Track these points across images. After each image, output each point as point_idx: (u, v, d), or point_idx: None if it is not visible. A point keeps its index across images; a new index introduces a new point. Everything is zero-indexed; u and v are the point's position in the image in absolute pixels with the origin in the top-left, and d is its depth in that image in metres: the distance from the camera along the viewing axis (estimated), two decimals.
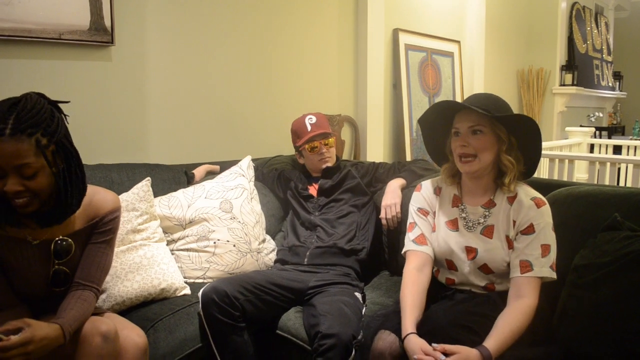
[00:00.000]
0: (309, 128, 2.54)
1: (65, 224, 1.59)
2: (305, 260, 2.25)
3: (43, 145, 1.43)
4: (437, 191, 1.87)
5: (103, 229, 1.67)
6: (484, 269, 1.70)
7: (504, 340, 1.49)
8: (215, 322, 1.87)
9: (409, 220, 1.90)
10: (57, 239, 1.59)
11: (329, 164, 2.53)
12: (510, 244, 1.67)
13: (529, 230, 1.64)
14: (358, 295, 2.07)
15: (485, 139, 1.66)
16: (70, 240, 1.61)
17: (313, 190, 2.52)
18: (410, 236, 1.86)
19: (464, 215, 1.77)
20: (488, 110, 1.63)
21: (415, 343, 1.51)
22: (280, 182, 2.68)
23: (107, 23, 2.43)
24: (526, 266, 1.61)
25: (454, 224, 1.78)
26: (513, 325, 1.52)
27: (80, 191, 1.55)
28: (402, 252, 1.87)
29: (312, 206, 2.45)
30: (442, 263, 1.80)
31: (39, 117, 1.43)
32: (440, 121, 1.78)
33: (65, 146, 1.50)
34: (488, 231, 1.71)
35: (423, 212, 1.86)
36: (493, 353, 1.45)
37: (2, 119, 1.38)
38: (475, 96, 1.74)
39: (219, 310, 1.86)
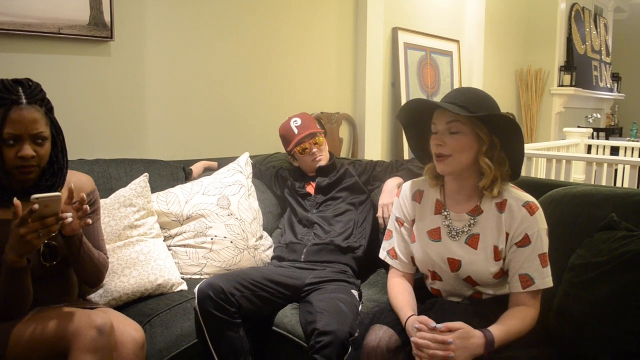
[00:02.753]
0: (296, 131, 2.54)
1: None
2: (302, 257, 2.25)
3: (50, 117, 1.60)
4: (418, 196, 1.76)
5: (92, 209, 1.77)
6: (469, 280, 1.64)
7: (507, 332, 1.47)
8: (210, 317, 1.87)
9: (389, 225, 1.86)
10: None
11: (322, 163, 2.53)
12: (497, 255, 1.59)
13: (525, 241, 1.56)
14: (354, 292, 2.07)
15: (462, 139, 1.55)
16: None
17: (310, 188, 2.53)
18: (385, 245, 1.84)
19: (447, 222, 1.67)
20: (467, 108, 1.52)
21: (415, 318, 1.51)
22: (278, 180, 2.68)
23: (107, 18, 2.42)
24: (527, 280, 1.55)
25: (435, 234, 1.69)
26: (516, 324, 1.50)
27: (66, 163, 1.69)
28: (379, 256, 1.87)
29: (310, 204, 2.46)
30: (425, 273, 1.75)
31: (43, 92, 1.59)
32: (423, 117, 1.67)
33: (56, 121, 1.64)
34: (473, 241, 1.62)
35: (399, 221, 1.79)
36: (496, 339, 1.44)
37: (11, 90, 1.52)
38: (457, 91, 1.63)
39: (215, 306, 1.86)
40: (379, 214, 2.28)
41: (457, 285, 1.68)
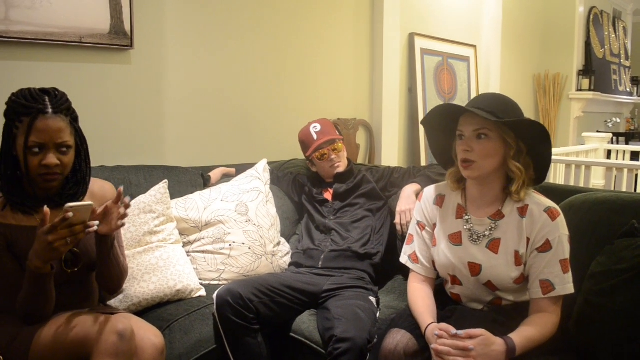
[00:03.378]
0: (315, 137, 2.55)
1: None
2: (320, 263, 2.26)
3: (75, 126, 1.63)
4: (439, 201, 1.77)
5: None
6: (489, 285, 1.64)
7: (528, 339, 1.47)
8: (229, 323, 1.88)
9: (410, 229, 1.86)
10: None
11: (340, 170, 2.53)
12: (518, 260, 1.59)
13: (546, 247, 1.56)
14: (372, 299, 2.07)
15: (490, 145, 1.56)
16: None
17: (328, 194, 2.54)
18: (406, 250, 1.84)
19: (468, 227, 1.68)
20: (495, 113, 1.53)
21: (435, 326, 1.51)
22: (296, 186, 2.69)
23: (127, 27, 2.46)
24: (547, 286, 1.54)
25: (457, 238, 1.69)
26: (537, 332, 1.49)
27: (90, 172, 1.73)
28: (400, 260, 1.87)
29: (327, 210, 2.46)
30: (445, 277, 1.75)
31: (69, 102, 1.62)
32: (447, 123, 1.68)
33: (81, 130, 1.67)
34: (494, 245, 1.63)
35: (421, 225, 1.80)
36: (517, 346, 1.44)
37: (38, 100, 1.55)
38: (483, 97, 1.64)
39: (233, 312, 1.87)
40: (397, 220, 2.28)
41: (477, 290, 1.67)
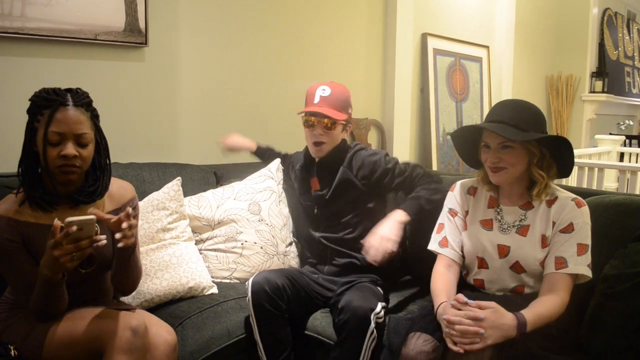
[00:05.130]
0: (316, 100, 2.14)
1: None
2: (324, 277, 2.18)
3: (95, 123, 1.65)
4: (472, 191, 1.87)
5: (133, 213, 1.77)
6: (516, 267, 1.69)
7: (539, 314, 1.51)
8: (263, 311, 1.87)
9: (439, 220, 1.91)
10: None
11: (322, 153, 2.18)
12: (544, 242, 1.67)
13: (568, 228, 1.64)
14: (379, 289, 2.05)
15: (515, 153, 1.66)
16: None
17: (314, 184, 2.27)
18: (436, 237, 1.88)
19: (499, 217, 1.77)
20: (517, 126, 1.63)
21: (448, 302, 1.57)
22: (288, 172, 2.53)
23: (142, 25, 2.48)
24: (561, 263, 1.61)
25: (488, 224, 1.79)
26: (546, 308, 1.53)
27: (109, 170, 1.72)
28: (428, 247, 1.90)
29: (316, 220, 2.24)
30: (472, 262, 1.80)
31: (90, 99, 1.65)
32: (471, 129, 1.80)
33: (100, 128, 1.68)
34: (523, 230, 1.71)
35: (452, 212, 1.88)
36: (528, 321, 1.48)
37: (60, 94, 1.58)
38: (503, 107, 1.73)
39: (269, 300, 1.87)
40: (371, 256, 1.92)
41: (503, 274, 1.73)
